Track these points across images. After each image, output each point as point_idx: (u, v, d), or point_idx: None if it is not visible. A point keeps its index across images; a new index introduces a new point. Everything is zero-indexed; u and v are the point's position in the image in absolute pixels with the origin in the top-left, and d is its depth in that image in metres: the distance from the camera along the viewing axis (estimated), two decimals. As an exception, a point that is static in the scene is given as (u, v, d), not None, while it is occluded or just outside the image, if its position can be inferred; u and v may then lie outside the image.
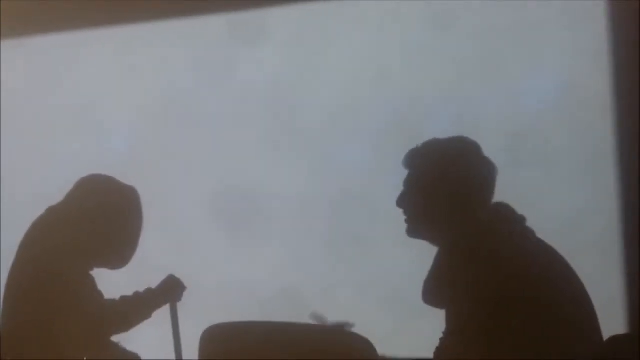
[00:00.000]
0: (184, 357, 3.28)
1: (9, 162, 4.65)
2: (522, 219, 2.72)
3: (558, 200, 4.00)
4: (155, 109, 4.58)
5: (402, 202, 2.80)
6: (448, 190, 2.72)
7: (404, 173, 2.81)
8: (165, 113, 4.58)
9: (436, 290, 2.71)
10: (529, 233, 2.71)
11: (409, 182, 2.80)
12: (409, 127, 4.13)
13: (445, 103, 4.22)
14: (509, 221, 2.70)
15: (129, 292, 3.24)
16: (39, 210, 3.20)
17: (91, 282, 3.14)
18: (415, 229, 2.79)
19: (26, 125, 4.72)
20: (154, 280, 3.31)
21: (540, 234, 2.71)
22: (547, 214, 3.77)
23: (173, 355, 3.30)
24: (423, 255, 2.78)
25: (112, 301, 3.19)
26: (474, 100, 4.20)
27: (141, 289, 3.26)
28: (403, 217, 2.80)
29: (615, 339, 2.60)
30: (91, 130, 4.66)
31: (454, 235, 2.70)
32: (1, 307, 3.14)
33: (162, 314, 3.30)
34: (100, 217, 3.14)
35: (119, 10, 4.59)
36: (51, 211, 3.19)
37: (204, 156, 4.54)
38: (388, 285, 4.11)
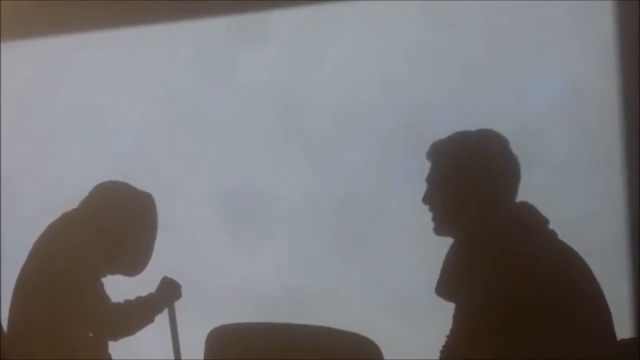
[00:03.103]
0: (187, 358, 3.29)
1: (15, 165, 4.65)
2: (545, 220, 2.69)
3: (564, 203, 3.99)
4: (160, 110, 4.58)
5: (427, 199, 2.71)
6: (473, 184, 2.64)
7: (412, 173, 2.76)
8: (170, 115, 4.58)
9: (451, 283, 2.67)
10: (552, 235, 2.68)
11: (433, 178, 2.72)
12: (415, 129, 4.13)
13: (452, 104, 4.22)
14: (532, 221, 2.66)
15: (134, 292, 3.25)
16: (45, 213, 3.21)
17: (100, 287, 3.15)
18: (443, 227, 2.71)
19: (31, 128, 4.72)
20: (158, 280, 3.33)
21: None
22: (554, 217, 3.76)
23: (172, 355, 3.30)
24: (429, 257, 2.78)
25: (117, 305, 3.20)
26: (480, 102, 4.19)
27: (146, 289, 3.28)
28: (430, 215, 2.73)
29: (622, 342, 2.59)
30: (95, 132, 4.66)
31: (474, 230, 2.65)
32: (9, 307, 3.15)
33: (163, 314, 3.31)
34: (116, 225, 3.15)
35: (123, 12, 4.59)
36: (66, 216, 3.20)
37: (210, 157, 4.54)
38: (394, 287, 4.10)
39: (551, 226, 2.69)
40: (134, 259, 3.20)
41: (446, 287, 2.67)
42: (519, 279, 2.53)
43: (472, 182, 2.66)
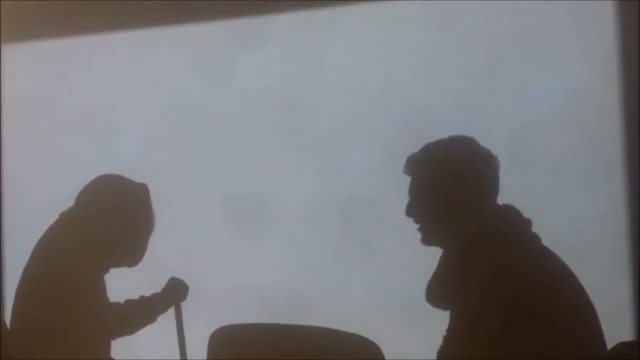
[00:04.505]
0: (190, 358, 3.30)
1: (18, 167, 4.66)
2: (528, 223, 2.71)
3: (565, 206, 4.00)
4: (162, 113, 4.59)
5: (410, 211, 2.78)
6: (451, 192, 2.70)
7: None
8: (173, 117, 4.59)
9: (439, 291, 2.71)
10: (534, 238, 2.70)
11: (412, 190, 2.79)
12: (418, 131, 4.13)
13: (454, 107, 4.22)
14: (515, 225, 2.68)
15: (138, 294, 3.26)
16: (50, 214, 3.22)
17: (101, 286, 3.16)
18: (430, 237, 2.77)
19: (34, 130, 4.73)
20: (163, 282, 3.33)
21: (547, 240, 2.71)
22: (555, 220, 3.76)
23: (178, 356, 3.31)
24: (431, 259, 2.79)
25: (118, 304, 3.21)
26: (481, 103, 4.20)
27: (151, 291, 3.28)
28: (415, 226, 2.79)
29: (622, 345, 2.60)
30: (97, 134, 4.67)
31: (459, 237, 2.69)
32: (12, 306, 3.17)
33: (168, 314, 3.32)
34: (112, 219, 3.16)
35: (125, 15, 4.60)
36: (64, 216, 3.21)
37: (213, 160, 4.55)
38: (397, 290, 4.11)
39: (550, 228, 2.70)
40: (132, 250, 3.21)
41: (435, 295, 2.72)
42: (501, 284, 2.55)
43: (449, 188, 2.70)
